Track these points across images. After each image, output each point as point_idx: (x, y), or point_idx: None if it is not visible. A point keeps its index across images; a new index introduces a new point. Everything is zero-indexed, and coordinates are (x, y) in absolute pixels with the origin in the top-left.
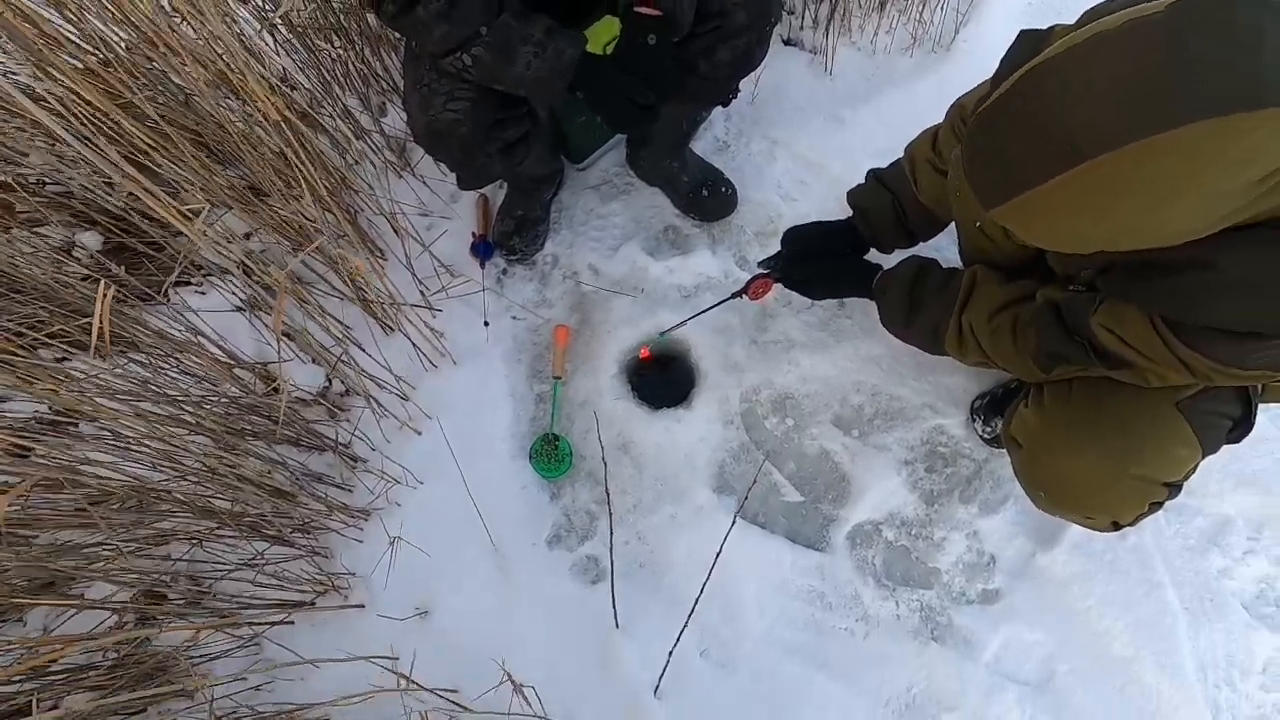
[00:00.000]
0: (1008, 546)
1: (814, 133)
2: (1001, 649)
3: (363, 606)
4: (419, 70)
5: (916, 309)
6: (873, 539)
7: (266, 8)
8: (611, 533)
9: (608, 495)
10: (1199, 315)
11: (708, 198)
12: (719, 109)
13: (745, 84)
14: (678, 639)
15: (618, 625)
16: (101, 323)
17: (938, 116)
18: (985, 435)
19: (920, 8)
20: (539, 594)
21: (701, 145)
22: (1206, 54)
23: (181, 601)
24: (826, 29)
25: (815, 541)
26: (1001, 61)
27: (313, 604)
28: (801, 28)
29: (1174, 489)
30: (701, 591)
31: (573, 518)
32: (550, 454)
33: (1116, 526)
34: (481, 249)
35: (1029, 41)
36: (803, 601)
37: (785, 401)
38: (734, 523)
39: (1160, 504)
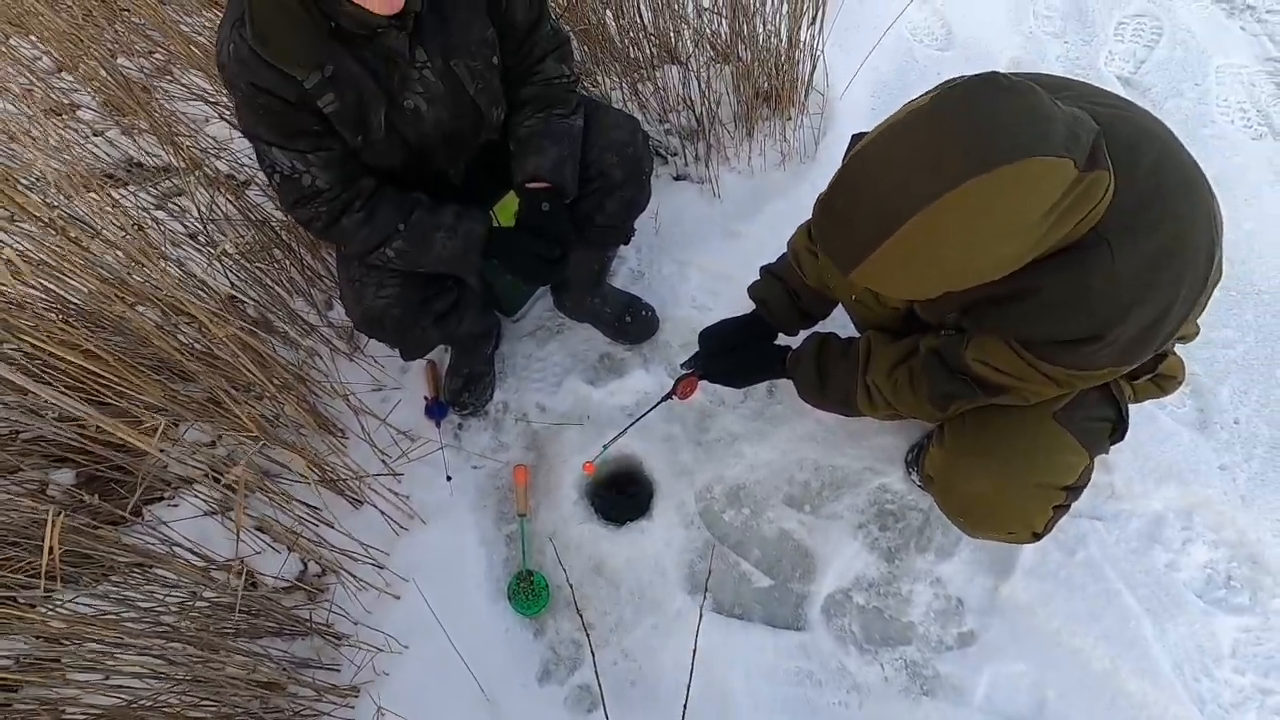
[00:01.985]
0: (970, 585)
1: (714, 249)
2: (990, 688)
3: None
4: (349, 268)
5: (826, 378)
6: (845, 607)
7: (208, 247)
8: (594, 656)
9: (581, 619)
10: (1042, 332)
11: (631, 323)
12: (627, 245)
13: (648, 218)
14: None
15: None
16: (52, 547)
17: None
18: (921, 484)
19: (783, 130)
20: None
21: (620, 279)
22: (962, 128)
23: None
24: (707, 162)
25: (793, 621)
26: (843, 158)
27: None
28: (686, 164)
29: (1073, 492)
30: (688, 693)
31: (559, 650)
32: (527, 590)
33: (1037, 536)
34: (435, 411)
35: (858, 141)
36: (792, 684)
37: (739, 492)
38: (701, 616)
39: (1065, 507)
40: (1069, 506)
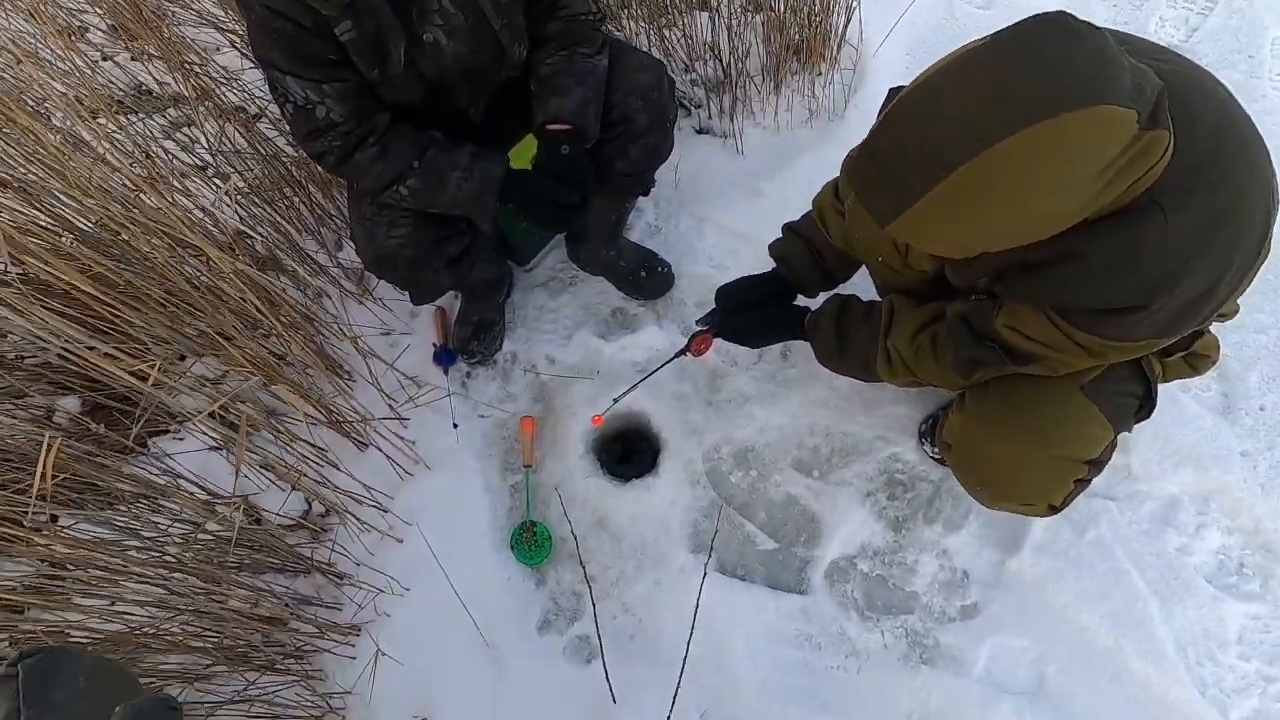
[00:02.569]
0: (977, 559)
1: (735, 206)
2: (990, 661)
3: None
4: (361, 207)
5: (845, 342)
6: (849, 573)
7: (216, 181)
8: (594, 607)
9: (584, 570)
10: (1083, 299)
11: (646, 278)
12: (645, 198)
13: (667, 171)
14: (673, 704)
15: (615, 701)
16: (46, 472)
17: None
18: (934, 455)
19: (812, 85)
20: (536, 682)
21: (636, 232)
22: (1027, 68)
23: None
24: (732, 115)
25: (795, 585)
26: (881, 112)
27: None
28: (710, 117)
29: (1095, 466)
30: (687, 651)
31: (559, 601)
32: (530, 541)
33: (1054, 509)
34: (444, 357)
35: (896, 95)
36: (793, 646)
37: (747, 454)
38: (705, 574)
39: (1086, 481)
40: (1089, 481)
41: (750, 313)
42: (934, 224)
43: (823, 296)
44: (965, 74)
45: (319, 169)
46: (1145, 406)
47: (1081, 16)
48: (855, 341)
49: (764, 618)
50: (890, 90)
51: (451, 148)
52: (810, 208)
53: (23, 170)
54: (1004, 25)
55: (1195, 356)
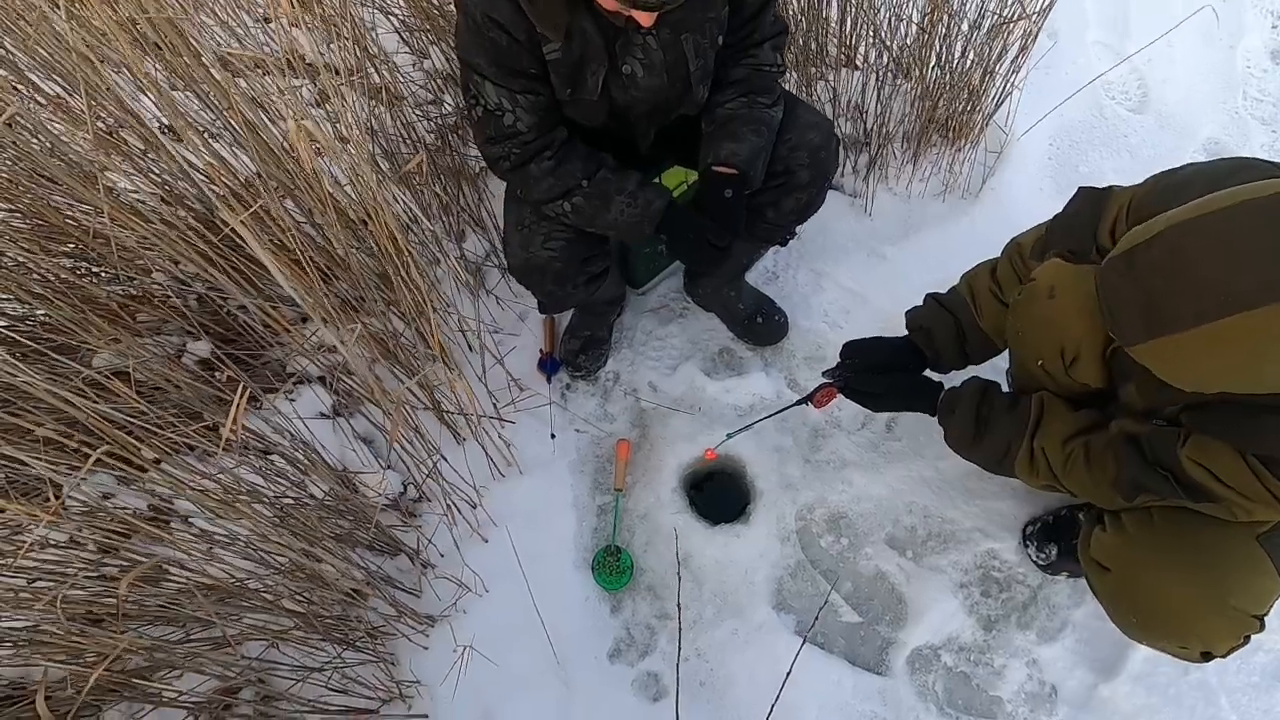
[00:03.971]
0: (1069, 677)
1: (856, 266)
2: None
3: (426, 717)
4: (520, 213)
5: (984, 429)
6: (932, 664)
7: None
8: (680, 648)
9: (679, 610)
10: None
11: (762, 324)
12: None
13: None
14: None
15: None
16: (235, 420)
17: (969, 254)
18: (1040, 561)
19: (950, 161)
20: (601, 709)
21: (753, 276)
22: None
23: (254, 702)
24: (866, 176)
25: (875, 665)
26: (1068, 213)
27: (376, 711)
28: (843, 175)
29: (1261, 622)
30: (770, 716)
31: (633, 631)
32: (612, 566)
33: (1207, 657)
34: (549, 365)
35: (1092, 197)
36: None
37: (839, 520)
38: (803, 644)
39: (1248, 638)
40: (1249, 638)
41: (884, 376)
42: (1193, 357)
43: (954, 376)
44: (1242, 223)
45: (492, 171)
46: None
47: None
48: (995, 432)
49: (839, 692)
50: (1080, 189)
51: (621, 172)
52: (936, 287)
53: (207, 116)
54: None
55: None
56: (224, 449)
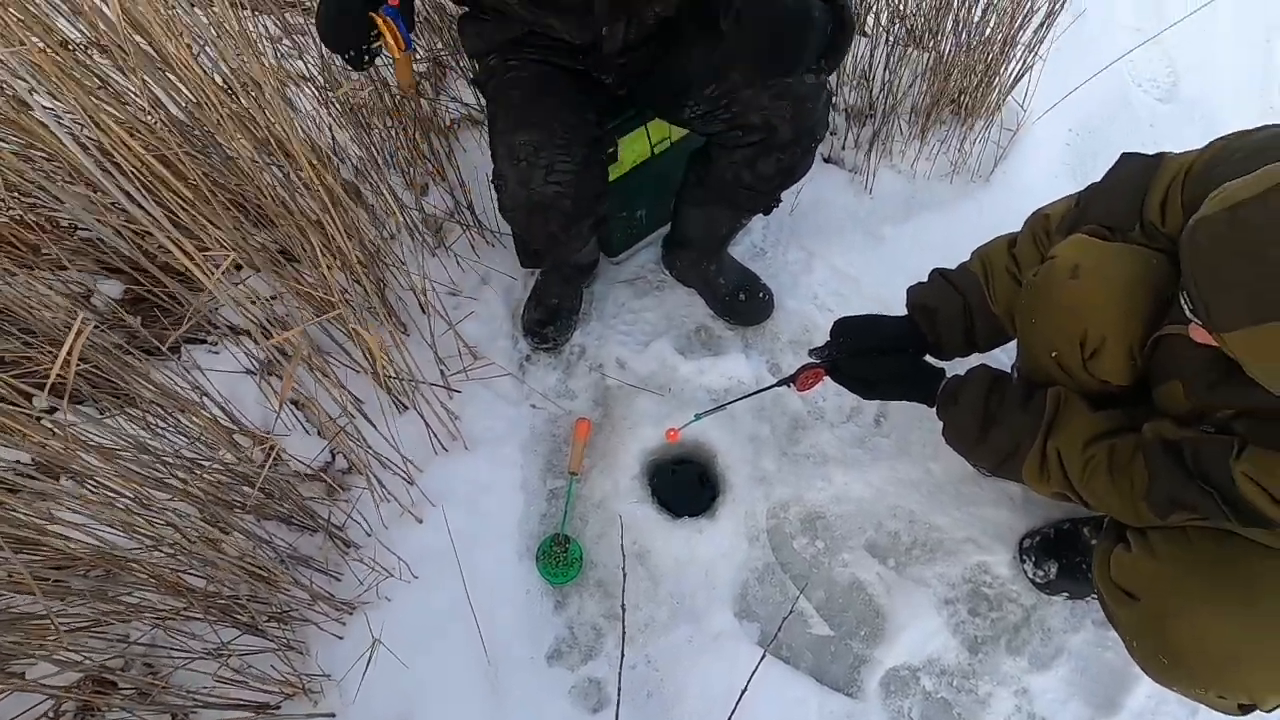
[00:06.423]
0: (1062, 710)
1: (852, 247)
2: None
3: (333, 716)
4: (513, 145)
5: (990, 425)
6: (909, 687)
7: (326, 88)
8: (623, 654)
9: (624, 611)
10: None
11: (744, 302)
12: (758, 216)
13: (785, 195)
14: None
15: None
16: (70, 356)
17: (974, 241)
18: (1037, 579)
19: (960, 141)
20: (532, 719)
21: (739, 250)
22: None
23: (131, 692)
24: (869, 151)
25: (845, 685)
26: (1108, 182)
27: (277, 708)
28: (843, 148)
29: None
30: None
31: (577, 632)
32: (559, 557)
33: (1246, 710)
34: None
35: (1139, 164)
36: None
37: (816, 521)
38: (764, 655)
39: None
40: None
41: (878, 360)
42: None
43: (956, 365)
44: None
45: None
46: None
47: None
48: (1003, 428)
49: (803, 713)
50: (1124, 155)
51: None
52: (970, 260)
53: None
54: (1178, 126)
55: None
56: (47, 394)
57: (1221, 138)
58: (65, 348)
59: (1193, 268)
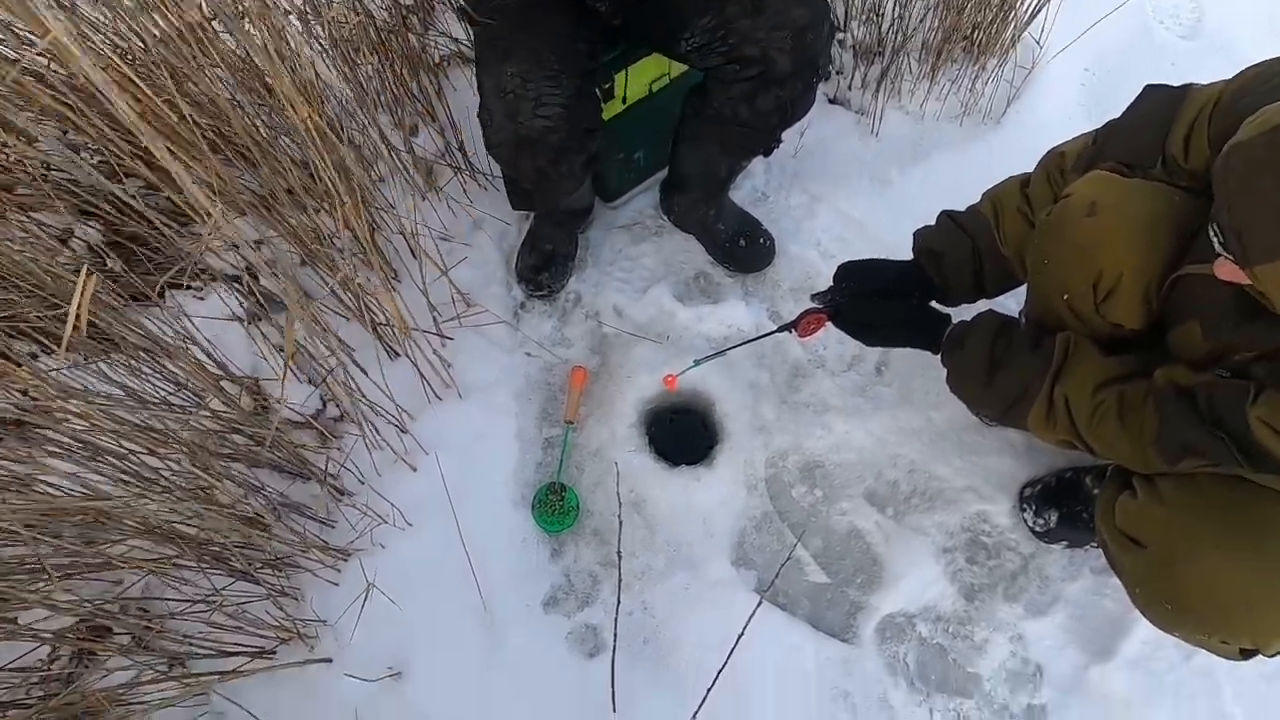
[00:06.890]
0: (1057, 656)
1: (858, 191)
2: None
3: (330, 661)
4: (500, 77)
5: (996, 370)
6: (905, 633)
7: (308, 14)
8: (619, 600)
9: (619, 557)
10: None
11: (745, 248)
12: (759, 159)
13: (788, 136)
14: None
15: (615, 709)
16: (79, 313)
17: (985, 185)
18: (1037, 528)
19: (972, 80)
20: (529, 664)
21: (739, 195)
22: None
23: (127, 637)
24: (876, 91)
25: (841, 631)
26: (1129, 116)
27: (274, 653)
28: (849, 88)
29: None
30: (714, 682)
31: (573, 579)
32: (555, 505)
33: (1248, 654)
34: None
35: (1162, 96)
36: (825, 699)
37: (815, 470)
38: (760, 602)
39: None
40: None
41: (882, 305)
42: None
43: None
44: None
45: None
46: None
47: None
48: (1010, 373)
49: (800, 658)
50: (1149, 87)
51: None
52: (980, 201)
53: None
54: (1199, 64)
55: None
56: (66, 349)
57: (1251, 66)
58: (74, 302)
59: (1227, 194)
